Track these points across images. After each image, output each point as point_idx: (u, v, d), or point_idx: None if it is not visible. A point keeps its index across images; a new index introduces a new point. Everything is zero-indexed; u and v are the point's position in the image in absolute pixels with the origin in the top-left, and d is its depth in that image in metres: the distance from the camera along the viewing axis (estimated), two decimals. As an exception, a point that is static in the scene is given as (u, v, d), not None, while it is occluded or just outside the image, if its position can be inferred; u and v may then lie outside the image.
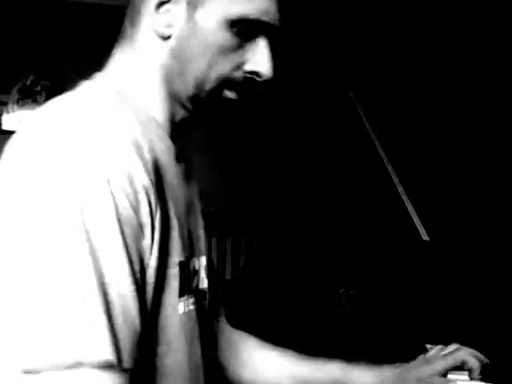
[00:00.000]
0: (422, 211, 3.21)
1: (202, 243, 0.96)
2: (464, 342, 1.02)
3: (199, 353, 0.87)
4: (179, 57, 0.82)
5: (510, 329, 2.17)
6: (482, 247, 2.67)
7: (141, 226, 0.72)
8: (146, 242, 0.73)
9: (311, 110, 4.12)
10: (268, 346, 1.09)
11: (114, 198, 0.68)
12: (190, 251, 0.86)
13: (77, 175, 0.67)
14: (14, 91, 4.25)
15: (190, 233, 0.89)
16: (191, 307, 0.84)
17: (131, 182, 0.70)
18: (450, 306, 2.53)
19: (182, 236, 0.82)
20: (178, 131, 0.89)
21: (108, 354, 0.63)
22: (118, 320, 0.66)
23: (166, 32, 0.82)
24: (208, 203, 1.04)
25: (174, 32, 0.82)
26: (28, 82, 4.28)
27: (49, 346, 0.62)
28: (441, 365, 0.96)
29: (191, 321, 0.84)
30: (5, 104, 4.23)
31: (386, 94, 3.69)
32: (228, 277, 4.24)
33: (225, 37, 0.81)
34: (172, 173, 0.85)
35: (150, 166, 0.74)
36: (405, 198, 3.34)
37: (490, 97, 2.94)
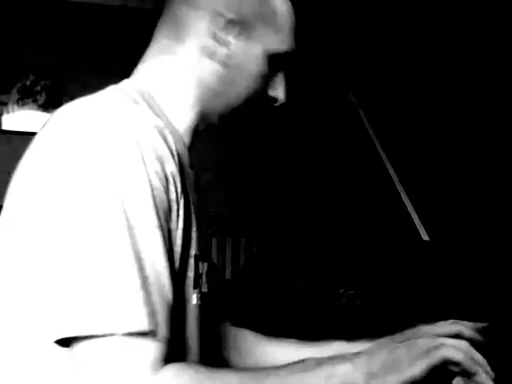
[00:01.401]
0: (422, 211, 3.22)
1: (206, 250, 0.99)
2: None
3: (204, 349, 0.89)
4: (222, 79, 0.91)
5: (510, 328, 2.17)
6: (482, 247, 2.68)
7: (169, 210, 0.76)
8: (173, 225, 0.77)
9: (311, 110, 4.12)
10: (269, 338, 1.12)
11: (149, 179, 0.72)
12: (199, 252, 0.89)
13: (115, 156, 0.71)
14: (14, 91, 4.25)
15: (201, 235, 0.91)
16: (199, 302, 0.88)
17: (162, 167, 0.75)
18: (449, 306, 2.53)
19: (197, 233, 0.86)
20: (194, 141, 0.95)
21: (144, 325, 0.66)
22: (154, 293, 0.69)
23: (215, 55, 0.90)
24: (208, 203, 1.05)
25: (222, 56, 0.90)
26: (28, 82, 4.28)
27: (87, 316, 0.66)
28: (437, 329, 0.98)
29: (199, 315, 0.87)
30: (5, 104, 4.23)
31: (386, 95, 3.69)
32: (228, 277, 4.24)
33: (263, 66, 0.92)
34: (189, 175, 0.89)
35: (175, 156, 0.79)
36: (405, 198, 3.34)
37: (490, 97, 2.94)
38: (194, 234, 0.85)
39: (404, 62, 3.51)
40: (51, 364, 0.72)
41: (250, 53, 0.91)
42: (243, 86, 0.92)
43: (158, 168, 0.74)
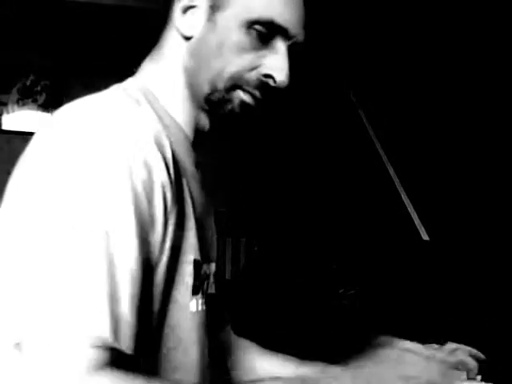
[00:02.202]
0: (422, 211, 3.22)
1: (214, 250, 0.98)
2: (464, 342, 1.02)
3: (207, 352, 0.88)
4: (196, 56, 0.86)
5: (509, 328, 2.17)
6: (482, 247, 2.68)
7: (152, 221, 0.73)
8: (156, 236, 0.74)
9: (311, 110, 4.12)
10: (269, 352, 1.10)
11: (133, 186, 0.70)
12: (203, 255, 0.87)
13: (100, 161, 0.69)
14: (14, 91, 4.25)
15: (205, 237, 0.90)
16: (202, 307, 0.86)
17: (150, 176, 0.73)
18: (449, 306, 2.53)
19: (198, 237, 0.84)
20: (199, 139, 0.92)
21: (106, 333, 0.63)
22: (123, 301, 0.66)
23: (188, 33, 0.86)
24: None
25: (195, 33, 0.86)
26: (28, 82, 4.28)
27: (49, 319, 0.63)
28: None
29: (202, 320, 0.86)
30: (5, 104, 4.23)
31: (386, 95, 3.69)
32: (228, 277, 4.24)
33: (240, 37, 0.84)
34: (192, 176, 0.88)
35: (170, 164, 0.77)
36: (405, 198, 3.34)
37: (490, 97, 2.94)
38: (193, 239, 0.83)
39: (404, 61, 3.51)
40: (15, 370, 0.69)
41: (223, 24, 0.85)
42: (220, 58, 0.85)
43: (145, 175, 0.72)
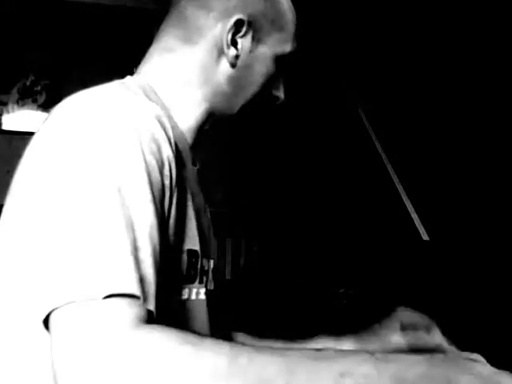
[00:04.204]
0: (421, 211, 3.22)
1: (211, 247, 0.99)
2: (463, 342, 1.02)
3: None
4: (236, 82, 0.93)
5: (509, 328, 2.17)
6: (482, 247, 2.68)
7: (163, 193, 0.74)
8: (165, 211, 0.75)
9: (310, 110, 4.12)
10: (257, 340, 1.12)
11: (144, 158, 0.71)
12: (201, 248, 0.88)
13: (112, 134, 0.70)
14: (14, 91, 4.25)
15: (202, 232, 0.90)
16: (199, 297, 0.87)
17: (159, 149, 0.74)
18: (449, 306, 2.53)
19: (197, 229, 0.86)
20: (198, 139, 0.95)
21: (133, 289, 0.63)
22: (146, 264, 0.66)
23: (224, 56, 0.91)
24: (208, 203, 1.05)
25: (231, 57, 0.91)
26: (28, 82, 4.28)
27: (77, 281, 0.62)
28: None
29: (198, 309, 0.86)
30: (5, 104, 4.23)
31: (386, 95, 3.69)
32: (228, 277, 4.24)
33: (272, 68, 0.95)
34: (189, 170, 0.89)
35: (172, 144, 0.78)
36: (405, 197, 3.34)
37: (490, 97, 2.94)
38: (189, 230, 0.84)
39: (404, 61, 3.51)
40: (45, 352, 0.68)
41: (258, 54, 0.93)
42: (252, 87, 0.94)
43: (154, 149, 0.73)
